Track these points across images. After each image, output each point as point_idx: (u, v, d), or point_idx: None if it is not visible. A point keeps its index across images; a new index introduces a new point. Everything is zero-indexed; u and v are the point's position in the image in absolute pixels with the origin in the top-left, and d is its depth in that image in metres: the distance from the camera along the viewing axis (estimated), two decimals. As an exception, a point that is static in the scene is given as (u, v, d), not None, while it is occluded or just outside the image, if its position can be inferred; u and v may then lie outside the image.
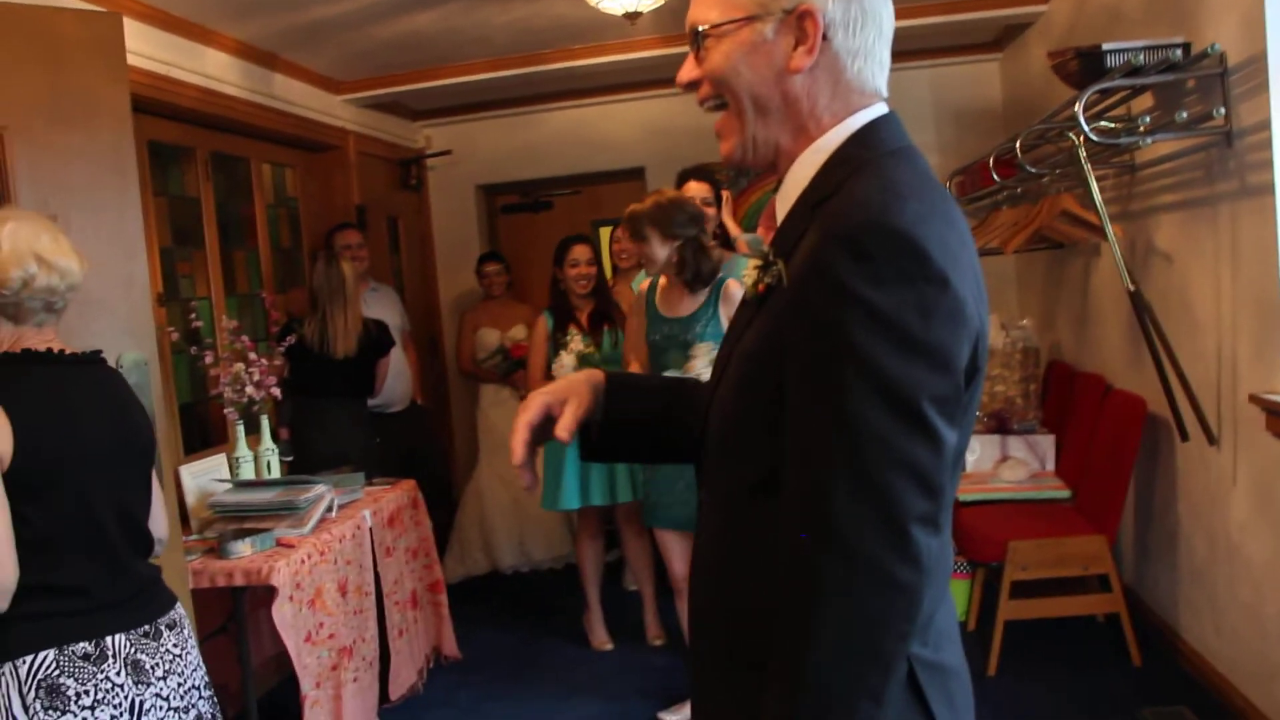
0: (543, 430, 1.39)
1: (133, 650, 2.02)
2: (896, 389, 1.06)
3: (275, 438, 4.68)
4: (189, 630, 2.19)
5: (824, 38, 1.22)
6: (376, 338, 4.65)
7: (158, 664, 2.06)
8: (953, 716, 1.23)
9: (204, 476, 3.84)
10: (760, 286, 1.24)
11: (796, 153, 1.27)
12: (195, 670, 2.16)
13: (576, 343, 4.57)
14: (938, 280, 1.08)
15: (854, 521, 1.07)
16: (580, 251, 4.70)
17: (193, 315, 4.12)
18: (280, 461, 4.59)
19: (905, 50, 5.79)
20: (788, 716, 1.10)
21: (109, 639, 1.98)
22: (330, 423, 4.58)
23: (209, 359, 4.01)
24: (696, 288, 3.67)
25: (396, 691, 4.07)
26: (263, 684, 4.21)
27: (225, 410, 4.03)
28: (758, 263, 1.26)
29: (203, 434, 4.48)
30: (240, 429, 4.04)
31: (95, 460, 2.01)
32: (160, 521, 2.23)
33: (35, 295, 1.99)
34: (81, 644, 1.95)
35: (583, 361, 4.50)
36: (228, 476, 3.94)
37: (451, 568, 5.72)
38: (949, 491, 1.13)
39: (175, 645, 2.12)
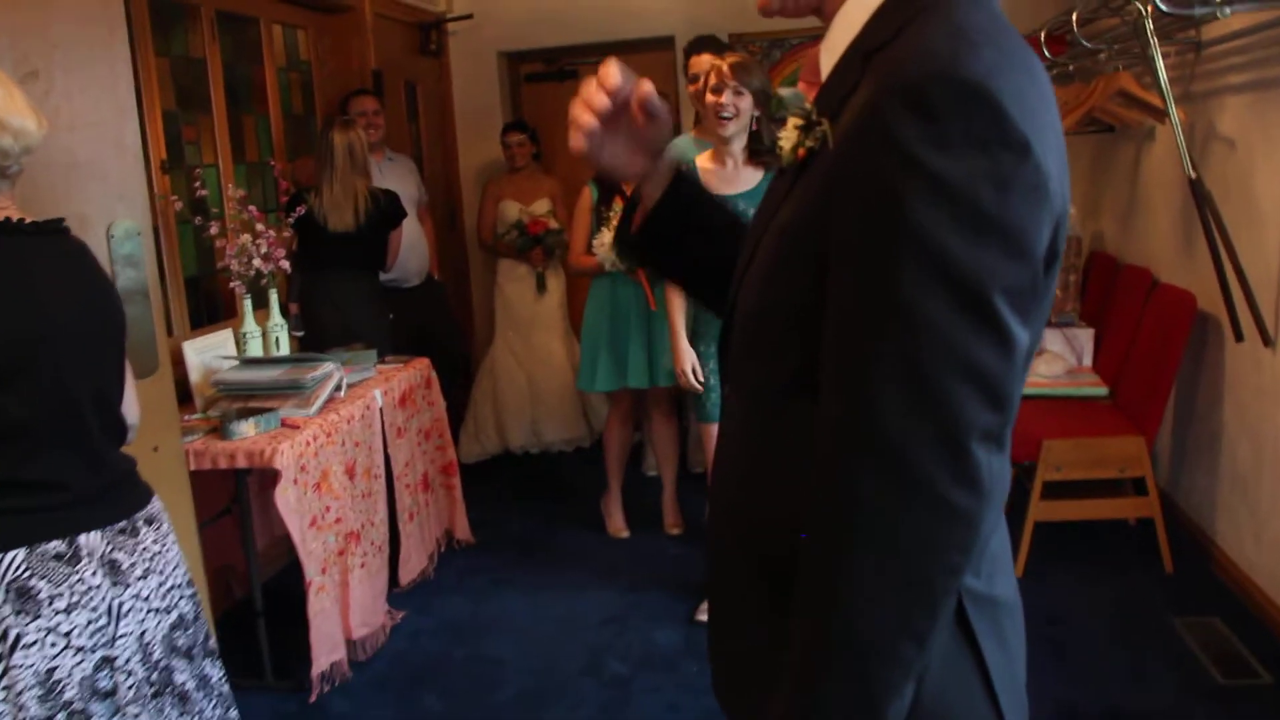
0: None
1: (109, 548, 1.88)
2: (963, 277, 0.87)
3: (285, 313, 4.56)
4: (168, 525, 2.05)
5: None
6: (385, 209, 4.42)
7: (136, 563, 1.92)
8: (1004, 656, 1.07)
9: (209, 353, 3.70)
10: (801, 151, 1.04)
11: None
12: (176, 568, 2.03)
13: (617, 219, 4.35)
14: (1018, 145, 0.88)
15: (905, 435, 0.89)
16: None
17: (198, 184, 3.93)
18: (291, 337, 4.47)
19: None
20: (818, 653, 0.95)
21: (83, 537, 1.84)
22: (340, 298, 4.41)
23: (214, 229, 3.84)
24: (763, 158, 3.44)
25: (406, 576, 4.01)
26: (273, 565, 4.16)
27: (231, 284, 3.87)
28: (799, 121, 1.06)
29: (210, 308, 4.33)
30: (248, 303, 3.89)
31: (69, 339, 1.83)
32: (133, 407, 2.07)
33: None
34: (54, 543, 1.81)
35: None
36: (233, 353, 3.81)
37: (467, 446, 5.64)
38: (1017, 400, 0.95)
39: (154, 542, 1.98)
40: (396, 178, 5.02)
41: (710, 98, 3.41)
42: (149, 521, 1.98)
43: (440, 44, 6.25)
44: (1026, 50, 0.98)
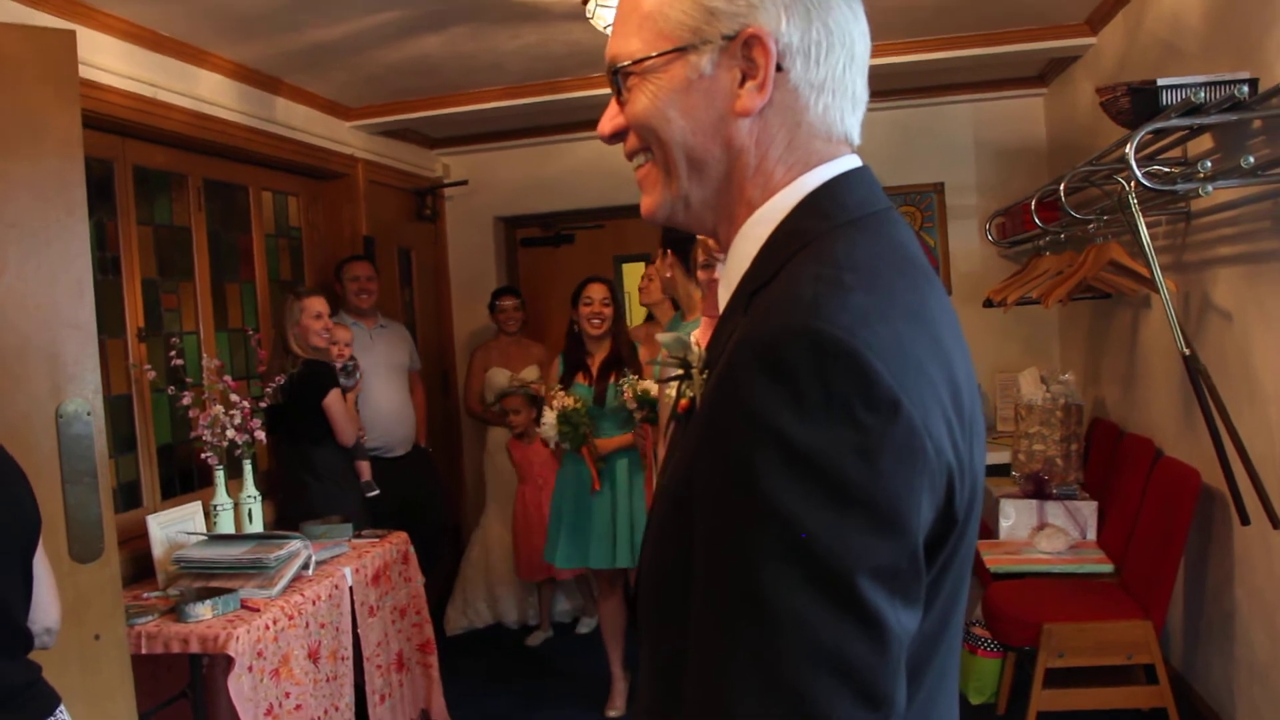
0: None
1: None
2: (823, 558, 0.76)
3: (272, 484, 4.44)
4: (74, 737, 1.89)
5: (778, 68, 0.93)
6: (299, 380, 4.15)
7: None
8: None
9: (173, 527, 3.57)
10: (684, 402, 0.94)
11: (740, 221, 0.98)
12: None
13: (561, 398, 4.28)
14: (885, 406, 0.78)
15: None
16: (595, 290, 4.42)
17: (173, 352, 3.86)
18: (269, 507, 4.34)
19: (946, 84, 5.54)
20: None
21: (-35, 759, 1.70)
22: (293, 470, 4.28)
23: (188, 399, 3.76)
24: None
25: (375, 763, 3.78)
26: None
27: (203, 455, 3.77)
28: (677, 371, 0.95)
29: (184, 476, 4.21)
30: (220, 474, 3.78)
31: None
32: (47, 609, 1.94)
33: None
34: None
35: (563, 420, 4.22)
36: (201, 526, 3.68)
37: (454, 619, 5.46)
38: (900, 695, 0.80)
39: (52, 759, 1.82)
40: (388, 345, 4.98)
41: (702, 274, 3.36)
42: (46, 739, 1.82)
43: (436, 209, 6.29)
44: (922, 288, 0.88)
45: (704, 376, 0.92)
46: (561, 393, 4.31)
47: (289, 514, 4.21)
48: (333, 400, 4.18)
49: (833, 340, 0.78)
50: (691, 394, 0.93)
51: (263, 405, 4.02)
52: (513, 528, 5.36)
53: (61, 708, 1.90)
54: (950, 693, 0.98)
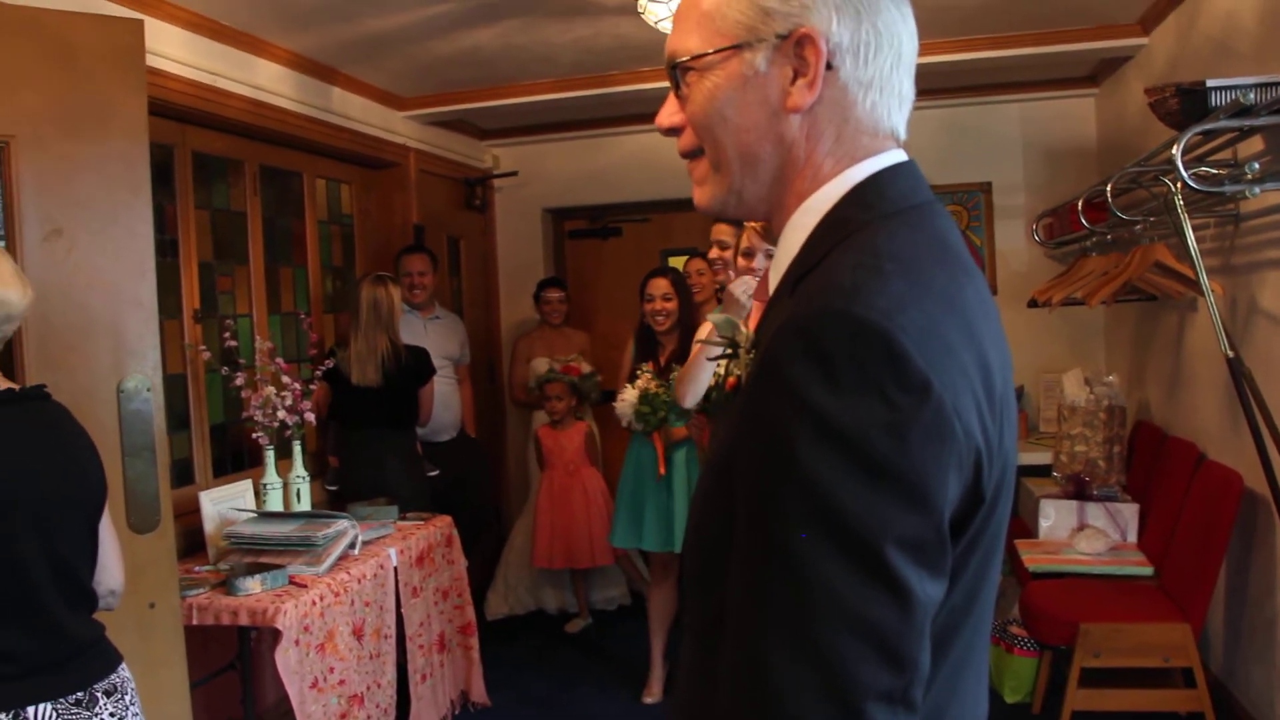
0: None
1: None
2: (854, 528, 0.81)
3: (324, 465, 4.55)
4: (131, 695, 1.97)
5: (828, 66, 0.97)
6: (408, 365, 4.40)
7: (90, 735, 1.85)
8: None
9: (225, 504, 3.67)
10: (731, 380, 0.99)
11: (790, 211, 1.02)
12: (136, 741, 1.95)
13: (645, 379, 4.34)
14: (916, 387, 0.82)
15: (794, 694, 0.81)
16: (654, 285, 4.46)
17: (227, 334, 3.97)
18: (320, 489, 4.44)
19: (995, 83, 5.52)
20: None
21: (31, 709, 1.78)
22: (373, 454, 4.39)
23: (240, 380, 3.86)
24: None
25: (415, 740, 3.86)
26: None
27: (254, 435, 3.86)
28: (726, 350, 1.01)
29: (236, 456, 4.32)
30: (270, 454, 3.87)
31: (26, 510, 1.81)
32: (111, 572, 2.03)
33: None
34: (0, 716, 1.75)
35: (645, 401, 4.27)
36: (251, 504, 3.77)
37: (495, 604, 5.53)
38: (924, 659, 0.85)
39: (112, 714, 1.90)
40: (440, 336, 5.05)
41: (743, 262, 3.39)
42: (109, 693, 1.91)
43: (485, 199, 6.37)
44: (960, 277, 0.93)
45: (750, 356, 0.97)
46: (647, 374, 4.34)
47: (357, 493, 4.29)
48: (431, 386, 4.43)
49: (868, 323, 0.83)
50: (738, 372, 0.98)
51: (314, 386, 4.13)
52: (534, 515, 5.43)
53: (124, 665, 1.99)
54: (978, 669, 1.02)
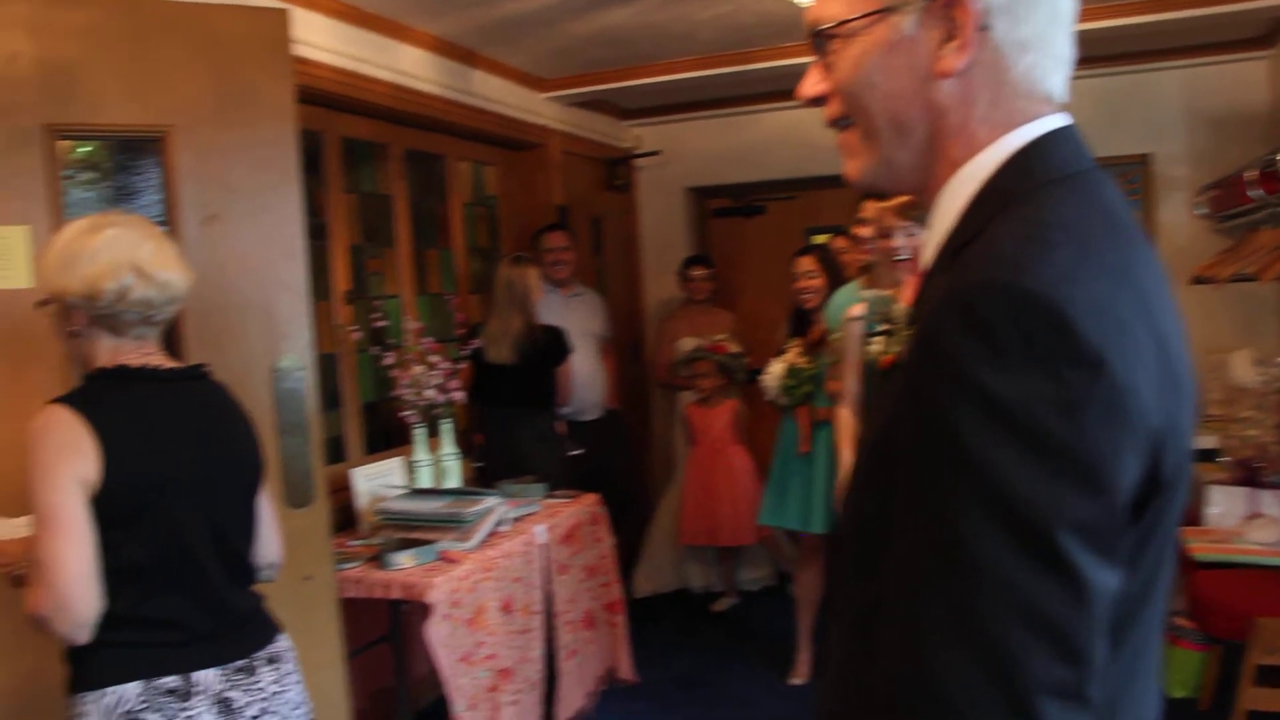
0: None
1: (225, 686, 1.88)
2: (1024, 512, 0.76)
3: (469, 443, 4.63)
4: (292, 664, 2.04)
5: (980, 28, 0.91)
6: (543, 346, 4.44)
7: (251, 702, 1.91)
8: None
9: (377, 480, 3.77)
10: (887, 358, 0.94)
11: (943, 180, 0.97)
12: (296, 709, 2.01)
13: (793, 354, 4.29)
14: (1088, 363, 0.77)
15: (960, 688, 0.76)
16: (800, 264, 4.43)
17: (377, 314, 4.06)
18: (469, 467, 4.52)
19: (1155, 49, 5.22)
20: None
21: (198, 674, 1.85)
22: (511, 432, 4.46)
23: (390, 359, 3.95)
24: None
25: (563, 714, 3.89)
26: (429, 694, 4.13)
27: (404, 412, 3.95)
28: (884, 327, 0.96)
29: (387, 433, 4.43)
30: (420, 432, 3.96)
31: (188, 485, 1.87)
32: (271, 545, 2.09)
33: (131, 308, 1.86)
34: (169, 678, 1.82)
35: (791, 374, 4.22)
36: (402, 481, 3.86)
37: (640, 582, 5.55)
38: (1099, 651, 0.80)
39: (274, 682, 1.97)
40: (581, 314, 5.07)
41: (882, 242, 3.30)
42: (270, 661, 1.98)
43: (628, 179, 6.37)
44: (1130, 248, 0.86)
45: (908, 333, 0.92)
46: (795, 349, 4.30)
47: (489, 475, 4.36)
48: (568, 366, 4.46)
49: (1034, 295, 0.78)
50: (895, 350, 0.93)
51: (461, 365, 4.20)
52: (681, 491, 5.41)
53: (283, 636, 2.06)
54: (1154, 660, 0.96)
